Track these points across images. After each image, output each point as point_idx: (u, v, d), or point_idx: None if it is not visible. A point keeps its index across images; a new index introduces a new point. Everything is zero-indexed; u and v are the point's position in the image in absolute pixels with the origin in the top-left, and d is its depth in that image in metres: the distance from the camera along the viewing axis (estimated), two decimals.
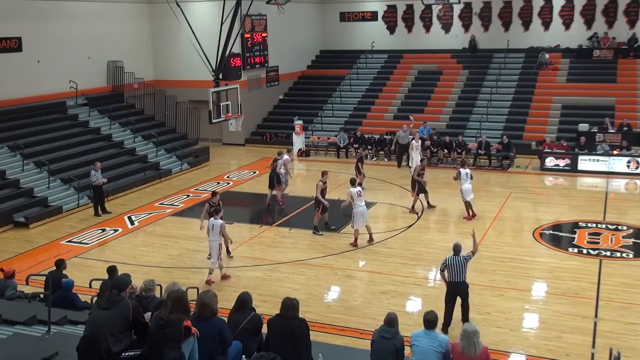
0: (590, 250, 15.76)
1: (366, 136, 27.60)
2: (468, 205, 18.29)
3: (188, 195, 21.98)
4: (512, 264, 14.84)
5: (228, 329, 6.83)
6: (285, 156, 20.76)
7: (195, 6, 27.26)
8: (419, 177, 19.02)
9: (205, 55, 19.49)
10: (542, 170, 24.02)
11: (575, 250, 15.87)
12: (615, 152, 23.65)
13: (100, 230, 18.40)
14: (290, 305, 7.30)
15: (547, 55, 30.21)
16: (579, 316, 12.19)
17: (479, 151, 24.88)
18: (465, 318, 11.39)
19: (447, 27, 33.42)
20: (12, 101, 23.10)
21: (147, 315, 7.09)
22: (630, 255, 15.45)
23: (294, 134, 28.30)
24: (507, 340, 11.34)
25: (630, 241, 16.39)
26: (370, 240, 16.39)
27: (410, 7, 33.89)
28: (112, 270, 10.44)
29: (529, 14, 31.92)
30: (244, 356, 7.08)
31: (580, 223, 17.89)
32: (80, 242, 17.45)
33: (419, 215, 18.88)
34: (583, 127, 25.65)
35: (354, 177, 17.62)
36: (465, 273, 11.39)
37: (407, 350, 7.65)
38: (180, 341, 6.24)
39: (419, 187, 18.99)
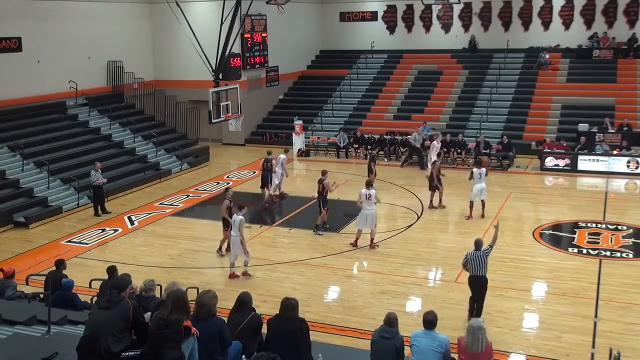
0: (590, 250, 15.76)
1: (366, 136, 27.61)
2: (471, 205, 18.39)
3: (188, 195, 21.98)
4: (512, 264, 14.84)
5: (228, 329, 6.82)
6: (283, 155, 20.84)
7: (195, 6, 27.26)
8: (438, 175, 19.23)
9: (205, 55, 19.50)
10: (542, 170, 24.01)
11: (575, 250, 15.87)
12: (615, 152, 23.65)
13: (100, 230, 18.40)
14: (289, 306, 7.30)
15: (547, 55, 30.21)
16: (579, 316, 12.20)
17: (481, 150, 24.84)
18: (478, 313, 11.56)
19: (447, 27, 33.42)
20: (12, 101, 23.09)
21: (147, 315, 7.09)
22: (630, 255, 15.45)
23: (293, 134, 28.29)
24: (507, 340, 11.34)
25: (630, 241, 16.39)
26: (371, 245, 16.12)
27: (410, 7, 33.89)
28: (112, 270, 10.44)
29: (528, 14, 31.92)
30: (243, 356, 7.08)
31: (580, 223, 17.89)
32: (80, 242, 17.45)
33: (419, 215, 18.88)
34: (583, 127, 25.65)
35: (370, 179, 17.42)
36: (485, 268, 11.68)
37: (407, 350, 7.65)
38: (180, 341, 6.24)
39: (434, 183, 19.15)
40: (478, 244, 11.75)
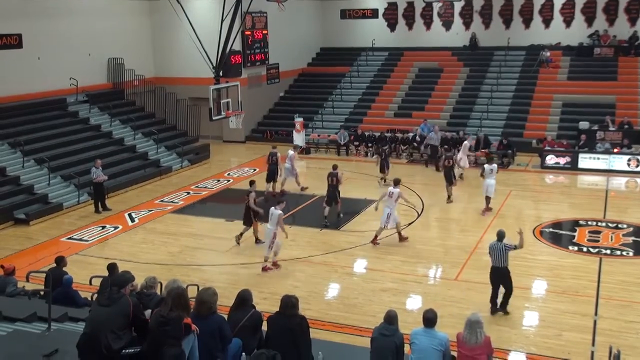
0: (590, 249, 15.76)
1: (367, 134, 27.60)
2: (487, 200, 18.64)
3: (188, 193, 21.97)
4: (512, 261, 14.73)
5: (228, 326, 6.83)
6: (291, 152, 20.97)
7: (195, 3, 27.23)
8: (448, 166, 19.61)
9: (206, 53, 19.50)
10: (543, 168, 24.01)
11: (576, 248, 15.88)
12: (615, 150, 23.64)
13: (101, 228, 18.41)
14: (289, 303, 7.30)
15: (547, 53, 30.19)
16: (578, 314, 12.20)
17: (480, 148, 24.83)
18: (503, 305, 12.07)
19: (447, 24, 33.39)
20: (12, 98, 23.07)
21: (148, 312, 7.09)
22: (630, 254, 15.46)
23: (294, 131, 28.27)
24: (507, 338, 11.35)
25: (630, 239, 16.39)
26: (374, 241, 16.22)
27: (410, 5, 33.85)
28: (112, 267, 10.44)
29: (529, 11, 31.89)
30: (243, 354, 7.09)
31: (580, 221, 17.89)
32: (80, 239, 17.46)
33: (420, 213, 18.87)
34: (584, 125, 25.62)
35: (398, 178, 17.22)
36: (506, 260, 11.96)
37: (406, 348, 7.66)
38: (181, 338, 6.24)
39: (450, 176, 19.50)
40: (500, 235, 12.06)
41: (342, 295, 13.59)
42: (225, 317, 7.15)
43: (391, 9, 34.43)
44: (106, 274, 10.38)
